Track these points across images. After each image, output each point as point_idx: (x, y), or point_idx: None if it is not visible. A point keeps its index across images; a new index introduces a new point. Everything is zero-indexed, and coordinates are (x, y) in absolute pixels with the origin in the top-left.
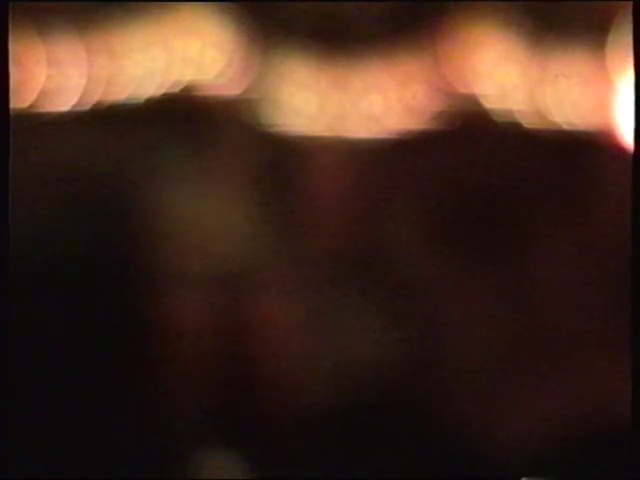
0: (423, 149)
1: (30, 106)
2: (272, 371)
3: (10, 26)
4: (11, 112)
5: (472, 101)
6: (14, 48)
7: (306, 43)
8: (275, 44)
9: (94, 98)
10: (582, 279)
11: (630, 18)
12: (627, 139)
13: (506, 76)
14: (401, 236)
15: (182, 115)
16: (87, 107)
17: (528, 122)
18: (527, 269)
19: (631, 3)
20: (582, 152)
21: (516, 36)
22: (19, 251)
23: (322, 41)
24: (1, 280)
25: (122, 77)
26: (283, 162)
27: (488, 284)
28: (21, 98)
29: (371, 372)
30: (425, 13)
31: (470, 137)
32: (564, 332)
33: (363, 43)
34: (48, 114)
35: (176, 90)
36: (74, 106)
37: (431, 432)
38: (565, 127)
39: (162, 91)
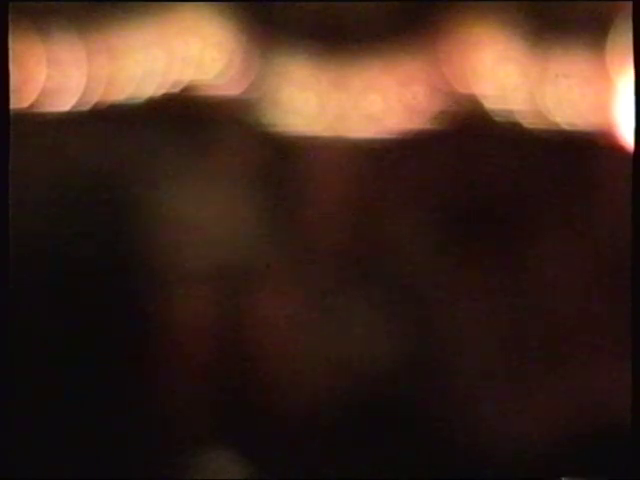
0: (423, 149)
1: (30, 106)
2: (272, 370)
3: (10, 26)
4: (11, 112)
5: (472, 101)
6: (14, 48)
7: (306, 43)
8: (275, 44)
9: (94, 98)
10: (582, 279)
11: (630, 18)
12: (627, 139)
13: (506, 76)
14: (401, 236)
15: (182, 115)
16: (87, 107)
17: (528, 122)
18: (527, 268)
19: (631, 3)
20: (582, 152)
21: (516, 36)
22: (19, 251)
23: (322, 41)
24: (1, 280)
25: (122, 77)
26: (283, 162)
27: (488, 283)
28: (21, 98)
29: (371, 371)
30: (425, 13)
31: (470, 137)
32: (565, 331)
33: (363, 43)
34: (48, 114)
35: (176, 90)
36: (74, 106)
37: (431, 432)
38: (565, 127)
39: (162, 91)
